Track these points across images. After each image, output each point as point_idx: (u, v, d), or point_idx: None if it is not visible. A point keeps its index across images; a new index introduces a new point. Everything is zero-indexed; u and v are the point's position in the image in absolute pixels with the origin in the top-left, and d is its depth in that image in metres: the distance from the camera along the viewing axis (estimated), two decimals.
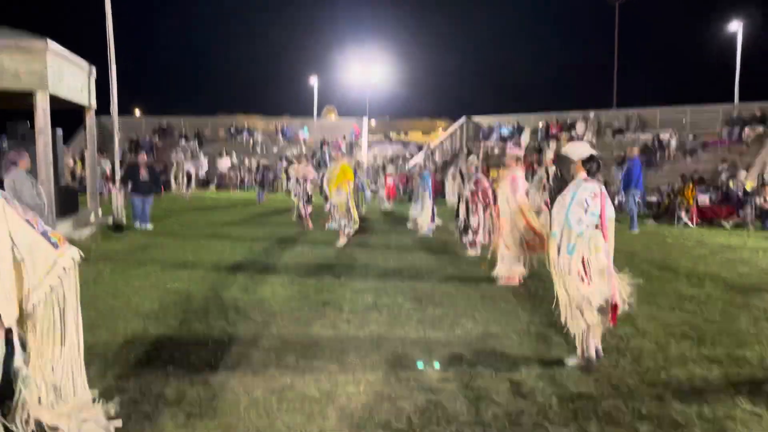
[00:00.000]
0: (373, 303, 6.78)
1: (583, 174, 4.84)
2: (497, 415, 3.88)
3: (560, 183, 5.23)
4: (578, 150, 4.93)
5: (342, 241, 10.90)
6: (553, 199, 5.25)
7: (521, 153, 8.28)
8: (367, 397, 4.17)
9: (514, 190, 7.68)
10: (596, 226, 4.68)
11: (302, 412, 3.91)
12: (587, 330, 4.73)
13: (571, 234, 4.63)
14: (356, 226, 11.00)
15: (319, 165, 24.10)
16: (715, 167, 20.97)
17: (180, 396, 4.14)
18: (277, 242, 11.41)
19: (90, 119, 13.94)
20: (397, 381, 4.46)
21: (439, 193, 19.99)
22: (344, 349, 5.19)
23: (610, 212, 4.78)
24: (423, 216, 12.94)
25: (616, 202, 19.32)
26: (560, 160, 5.19)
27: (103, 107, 14.89)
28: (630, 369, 4.75)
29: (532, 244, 7.51)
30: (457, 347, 5.27)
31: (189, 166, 23.75)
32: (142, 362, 4.82)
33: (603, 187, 4.85)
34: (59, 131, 12.31)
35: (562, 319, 4.84)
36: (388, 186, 20.43)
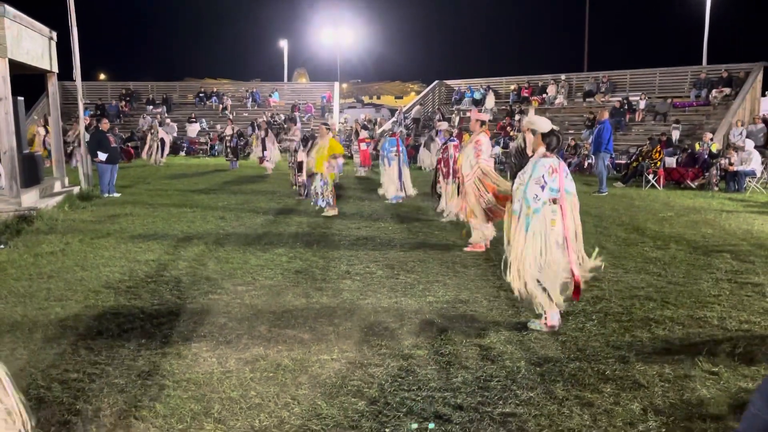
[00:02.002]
0: (345, 271, 6.82)
1: (542, 149, 4.88)
2: (467, 380, 3.98)
3: (521, 158, 5.27)
4: (540, 122, 4.94)
5: (331, 212, 10.79)
6: (513, 174, 5.29)
7: (486, 117, 8.21)
8: (340, 365, 4.24)
9: (478, 153, 7.65)
10: (554, 201, 4.74)
11: (275, 382, 3.96)
12: (544, 299, 4.83)
13: (529, 211, 4.71)
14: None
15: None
16: (688, 129, 21.23)
17: (153, 368, 4.16)
18: (249, 211, 11.35)
19: (52, 85, 13.56)
20: (369, 348, 4.53)
21: (412, 158, 19.92)
22: (317, 317, 5.24)
23: (569, 186, 4.83)
24: (387, 183, 12.88)
25: (585, 164, 19.57)
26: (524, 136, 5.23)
27: (66, 73, 14.50)
28: (595, 332, 4.88)
29: (495, 210, 7.51)
30: (429, 313, 5.36)
31: (162, 133, 23.22)
32: (113, 335, 4.80)
33: (562, 161, 4.90)
34: (20, 99, 11.94)
35: (514, 289, 4.93)
36: (363, 152, 20.21)
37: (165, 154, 23.02)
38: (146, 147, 22.92)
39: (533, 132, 5.02)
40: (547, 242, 4.71)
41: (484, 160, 7.66)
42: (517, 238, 4.81)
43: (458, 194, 8.05)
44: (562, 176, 4.77)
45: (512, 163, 5.91)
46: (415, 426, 3.39)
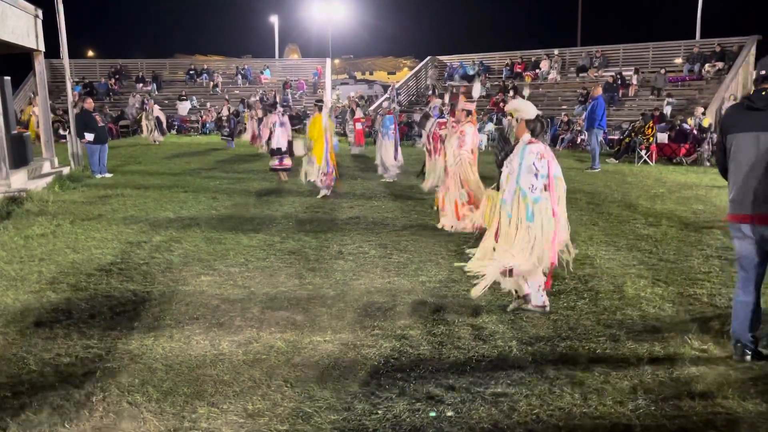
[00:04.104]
0: (338, 251, 6.82)
1: (527, 135, 4.78)
2: (459, 360, 4.00)
3: (504, 144, 5.20)
4: (525, 108, 4.84)
5: (323, 192, 10.59)
6: (500, 163, 5.21)
7: (473, 107, 8.08)
8: (333, 346, 4.25)
9: (461, 144, 7.60)
10: (545, 187, 4.69)
11: (268, 364, 3.97)
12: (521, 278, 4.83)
13: (527, 201, 4.65)
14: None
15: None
16: (680, 104, 21.15)
17: (145, 351, 4.16)
18: (242, 191, 11.30)
19: (39, 64, 13.37)
20: (362, 329, 4.54)
21: (404, 134, 19.83)
22: (310, 298, 5.24)
23: (556, 170, 4.73)
24: (385, 159, 12.80)
25: (578, 140, 19.53)
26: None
27: (53, 51, 14.32)
28: (587, 310, 4.91)
29: (473, 201, 7.54)
30: (421, 293, 5.38)
31: (157, 112, 23.01)
32: (106, 318, 4.80)
33: (547, 147, 4.81)
34: (7, 79, 11.78)
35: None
36: (357, 130, 20.05)
37: (162, 133, 22.90)
38: (145, 128, 22.79)
39: (517, 118, 4.94)
40: (543, 230, 4.67)
41: (467, 152, 7.63)
42: (509, 228, 4.75)
43: (445, 173, 8.06)
44: (550, 160, 4.70)
45: (496, 151, 5.83)
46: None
